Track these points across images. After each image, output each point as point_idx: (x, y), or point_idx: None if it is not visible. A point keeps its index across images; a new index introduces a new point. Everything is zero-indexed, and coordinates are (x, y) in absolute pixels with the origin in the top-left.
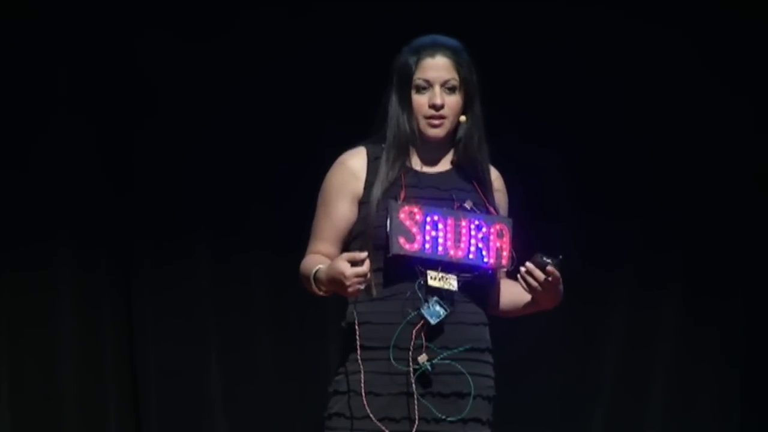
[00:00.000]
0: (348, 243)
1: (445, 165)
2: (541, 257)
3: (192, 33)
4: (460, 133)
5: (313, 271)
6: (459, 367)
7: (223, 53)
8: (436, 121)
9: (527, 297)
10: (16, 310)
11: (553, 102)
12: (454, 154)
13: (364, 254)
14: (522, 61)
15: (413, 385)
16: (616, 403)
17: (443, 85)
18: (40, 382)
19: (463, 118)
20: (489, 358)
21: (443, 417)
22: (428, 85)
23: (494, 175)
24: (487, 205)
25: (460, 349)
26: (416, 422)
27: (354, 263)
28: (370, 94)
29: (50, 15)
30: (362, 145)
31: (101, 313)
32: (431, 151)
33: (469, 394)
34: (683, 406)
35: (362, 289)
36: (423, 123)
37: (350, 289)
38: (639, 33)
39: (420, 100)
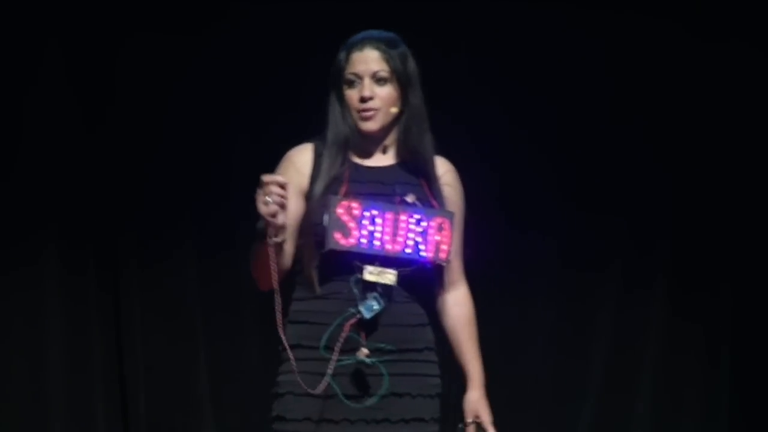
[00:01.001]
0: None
1: (390, 159)
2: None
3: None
4: (400, 126)
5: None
6: (395, 367)
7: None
8: (367, 113)
9: (462, 349)
10: (2, 309)
11: (538, 97)
12: (398, 147)
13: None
14: (507, 56)
15: (343, 384)
16: (603, 401)
17: (372, 77)
18: (27, 381)
19: (395, 109)
20: (431, 356)
21: (382, 417)
22: (358, 78)
23: (444, 168)
24: (431, 198)
25: (392, 347)
26: (348, 423)
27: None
28: None
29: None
30: (310, 141)
31: (88, 312)
32: (373, 146)
33: (404, 394)
34: (670, 404)
35: (277, 210)
36: (356, 117)
37: (259, 204)
38: (629, 24)
39: (351, 95)
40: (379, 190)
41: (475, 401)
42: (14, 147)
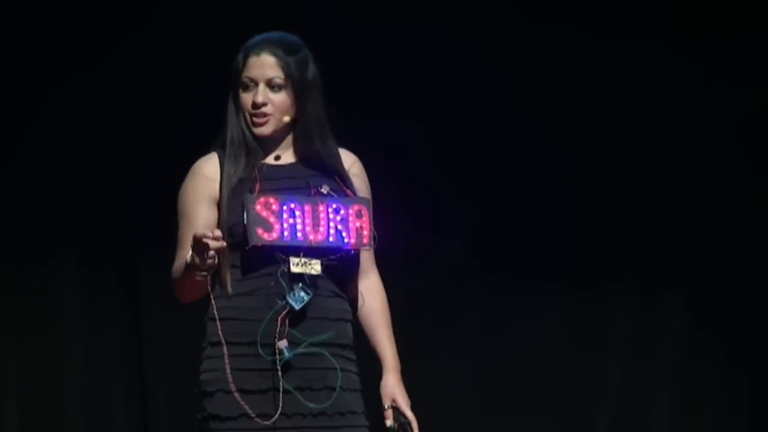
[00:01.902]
0: None
1: (295, 157)
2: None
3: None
4: (297, 131)
5: (188, 257)
6: (326, 360)
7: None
8: (259, 119)
9: (376, 336)
10: (22, 311)
11: (559, 106)
12: (299, 146)
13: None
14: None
15: (280, 378)
16: (621, 410)
17: (267, 83)
18: (47, 383)
19: (287, 118)
20: (351, 354)
21: (317, 411)
22: (253, 83)
23: (350, 160)
24: (344, 188)
25: (322, 337)
26: (284, 417)
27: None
28: None
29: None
30: (213, 150)
31: (107, 311)
32: (274, 146)
33: (339, 387)
34: (689, 413)
35: (208, 262)
36: (249, 120)
37: (196, 258)
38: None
39: (245, 98)
40: (292, 185)
41: (391, 386)
42: (30, 145)
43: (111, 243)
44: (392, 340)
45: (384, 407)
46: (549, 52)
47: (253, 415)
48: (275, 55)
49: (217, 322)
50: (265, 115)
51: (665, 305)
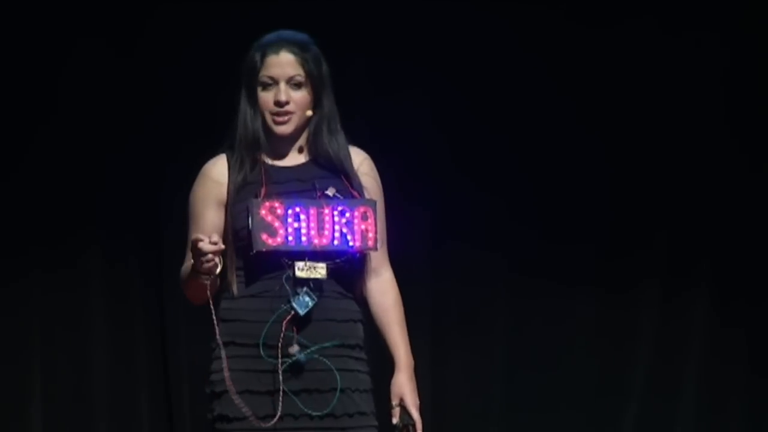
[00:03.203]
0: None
1: (303, 157)
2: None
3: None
4: (311, 128)
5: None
6: (328, 363)
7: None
8: (282, 118)
9: (388, 334)
10: (47, 308)
11: (586, 110)
12: (309, 145)
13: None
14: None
15: (281, 381)
16: (646, 410)
17: (288, 81)
18: (72, 381)
19: (309, 112)
20: (360, 354)
21: (321, 413)
22: (273, 82)
23: (360, 158)
24: (351, 189)
25: (329, 344)
26: (284, 419)
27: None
28: None
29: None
30: (221, 152)
31: (133, 310)
32: (286, 146)
33: (345, 389)
34: (714, 413)
35: (209, 266)
36: (269, 120)
37: (201, 260)
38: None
39: (265, 97)
40: (298, 187)
41: (401, 384)
42: (55, 143)
43: (136, 242)
44: (405, 338)
45: (391, 405)
46: (574, 49)
47: (249, 416)
48: (294, 53)
49: (224, 323)
50: (287, 113)
51: (691, 306)
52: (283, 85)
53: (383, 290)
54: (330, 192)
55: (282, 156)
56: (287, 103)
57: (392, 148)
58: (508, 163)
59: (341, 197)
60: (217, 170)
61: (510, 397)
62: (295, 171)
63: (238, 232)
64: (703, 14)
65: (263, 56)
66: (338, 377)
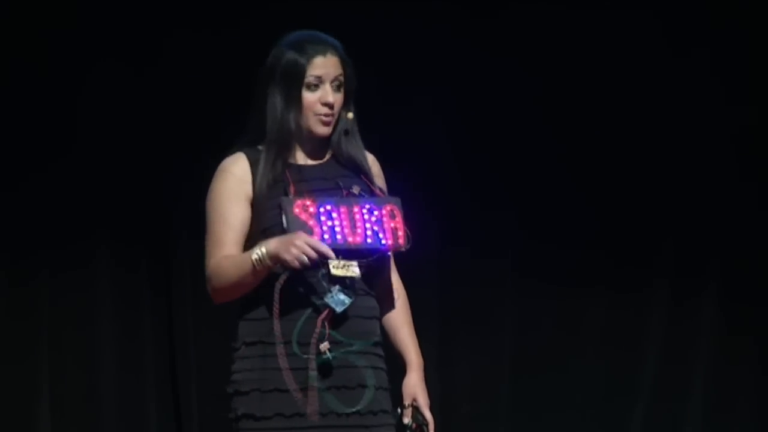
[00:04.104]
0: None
1: (323, 156)
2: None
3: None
4: (339, 127)
5: (259, 246)
6: (357, 360)
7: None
8: (327, 119)
9: (398, 335)
10: (56, 310)
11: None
12: (330, 146)
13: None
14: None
15: (315, 378)
16: (654, 412)
17: (332, 82)
18: (80, 382)
19: (350, 114)
20: (381, 351)
21: (350, 410)
22: (320, 82)
23: (370, 159)
24: (373, 188)
25: (363, 342)
26: (319, 416)
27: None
28: None
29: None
30: (238, 149)
31: (141, 313)
32: (313, 146)
33: (372, 386)
34: (722, 415)
35: (303, 262)
36: (313, 120)
37: (293, 251)
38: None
39: (311, 98)
40: (323, 186)
41: (413, 385)
42: (66, 147)
43: (144, 243)
44: (415, 338)
45: (404, 405)
46: (579, 56)
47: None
48: (338, 54)
49: (250, 322)
50: (332, 114)
51: (700, 307)
52: (329, 86)
53: (392, 292)
54: (355, 190)
55: (307, 156)
56: (333, 104)
57: (400, 148)
58: (518, 167)
59: (366, 195)
60: (240, 167)
61: (518, 398)
62: (318, 169)
63: (268, 230)
64: (704, 12)
65: (310, 56)
66: (369, 374)
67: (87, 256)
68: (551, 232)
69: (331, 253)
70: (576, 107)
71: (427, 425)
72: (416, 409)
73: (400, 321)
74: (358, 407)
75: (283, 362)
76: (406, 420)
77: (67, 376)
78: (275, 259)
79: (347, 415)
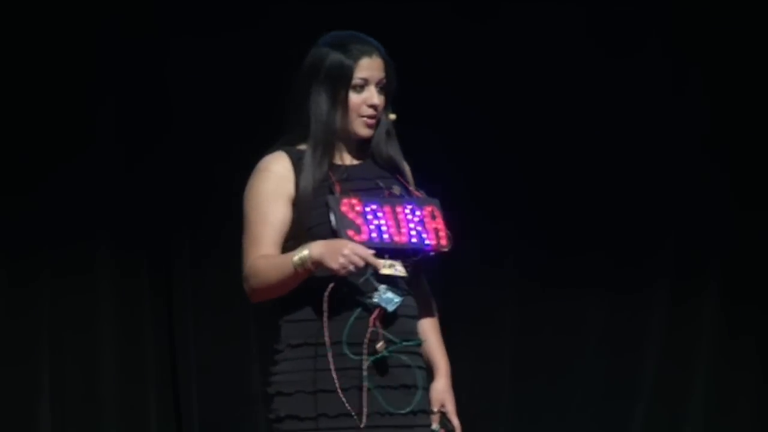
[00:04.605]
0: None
1: (363, 157)
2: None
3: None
4: (380, 128)
5: (300, 249)
6: (408, 359)
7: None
8: (371, 121)
9: (427, 340)
10: (56, 312)
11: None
12: (370, 147)
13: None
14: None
15: (365, 378)
16: (655, 413)
17: (377, 84)
18: (80, 384)
19: (393, 116)
20: (421, 351)
21: (396, 410)
22: (366, 84)
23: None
24: (410, 189)
25: (414, 342)
26: (367, 416)
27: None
28: None
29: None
30: (278, 148)
31: (142, 315)
32: (353, 146)
33: (415, 386)
34: (723, 416)
35: (349, 271)
36: (358, 122)
37: (341, 261)
38: None
39: (357, 99)
40: (365, 185)
41: (442, 390)
42: (67, 150)
43: (146, 246)
44: (443, 344)
45: (433, 410)
46: (583, 61)
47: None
48: (382, 56)
49: (294, 324)
50: (376, 116)
51: (700, 309)
52: (374, 88)
53: (423, 296)
54: (396, 191)
55: (347, 156)
56: (379, 105)
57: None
58: (518, 169)
59: (407, 196)
60: (282, 165)
61: (519, 399)
62: (358, 169)
63: (313, 228)
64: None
65: (357, 58)
66: (419, 375)
67: (88, 257)
68: (551, 233)
69: (379, 264)
70: (573, 109)
71: (455, 431)
72: (444, 415)
73: (430, 325)
74: (410, 408)
75: (332, 363)
76: (435, 426)
77: (68, 377)
78: (318, 264)
79: (390, 414)
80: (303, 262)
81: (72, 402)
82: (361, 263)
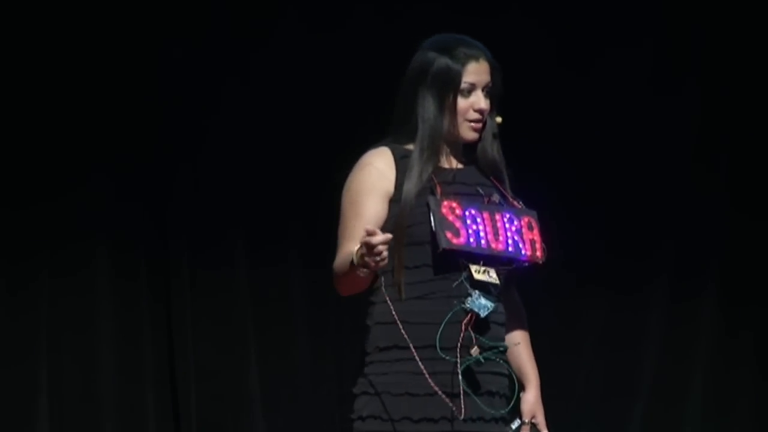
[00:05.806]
0: None
1: (465, 161)
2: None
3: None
4: (486, 132)
5: (354, 252)
6: (498, 366)
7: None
8: (478, 125)
9: (518, 351)
10: (55, 313)
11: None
12: (473, 152)
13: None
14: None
15: (460, 383)
16: (653, 411)
17: (484, 88)
18: (79, 385)
19: (499, 119)
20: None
21: (480, 416)
22: (474, 88)
23: None
24: (508, 197)
25: (505, 348)
26: (455, 421)
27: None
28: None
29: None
30: (383, 145)
31: (140, 317)
32: (457, 150)
33: (497, 393)
34: (721, 415)
35: (379, 263)
36: (465, 126)
37: (364, 258)
38: None
39: (465, 104)
40: (465, 190)
41: (534, 402)
42: (69, 151)
43: (144, 247)
44: (533, 356)
45: (523, 421)
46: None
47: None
48: (489, 60)
49: (386, 326)
50: (482, 120)
51: (699, 308)
52: (481, 93)
53: (513, 304)
54: (495, 199)
55: (451, 159)
56: (486, 110)
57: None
58: (517, 166)
59: (505, 205)
60: (384, 161)
61: (517, 398)
62: (461, 174)
63: (413, 227)
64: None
65: (463, 62)
66: (504, 382)
67: (86, 257)
68: (550, 232)
69: (379, 235)
70: (573, 109)
71: None
72: (534, 427)
73: (520, 335)
74: (502, 412)
75: (423, 367)
76: None
77: (66, 378)
78: (357, 267)
79: (473, 420)
80: (355, 259)
81: (70, 402)
82: (374, 249)
